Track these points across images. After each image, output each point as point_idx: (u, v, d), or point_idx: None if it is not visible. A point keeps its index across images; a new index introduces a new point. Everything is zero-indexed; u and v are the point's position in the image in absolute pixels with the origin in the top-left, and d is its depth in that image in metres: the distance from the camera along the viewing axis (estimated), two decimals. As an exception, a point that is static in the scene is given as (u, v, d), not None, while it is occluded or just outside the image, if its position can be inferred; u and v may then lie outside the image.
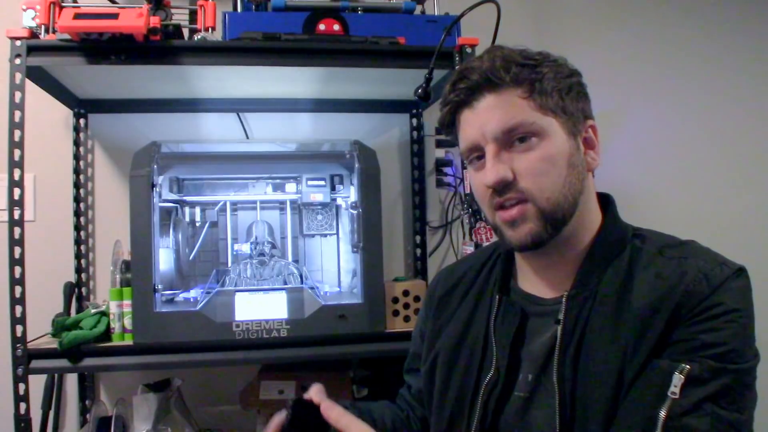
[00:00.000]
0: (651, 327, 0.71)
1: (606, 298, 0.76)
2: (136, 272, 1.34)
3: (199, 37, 1.37)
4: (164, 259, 1.45)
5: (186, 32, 1.41)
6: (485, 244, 1.42)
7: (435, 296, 0.97)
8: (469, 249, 1.50)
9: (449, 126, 0.85)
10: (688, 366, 0.67)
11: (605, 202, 0.85)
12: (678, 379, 0.67)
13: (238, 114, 1.75)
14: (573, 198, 0.78)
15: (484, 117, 0.78)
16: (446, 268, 1.02)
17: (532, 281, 0.86)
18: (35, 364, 1.27)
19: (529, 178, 0.76)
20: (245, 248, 1.54)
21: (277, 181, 1.61)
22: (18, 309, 1.24)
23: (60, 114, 1.68)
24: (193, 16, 1.43)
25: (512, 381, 0.82)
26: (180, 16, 1.40)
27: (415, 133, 1.83)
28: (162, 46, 1.32)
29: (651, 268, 0.76)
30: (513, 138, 0.77)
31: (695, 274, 0.72)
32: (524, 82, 0.77)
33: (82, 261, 1.68)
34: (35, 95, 1.39)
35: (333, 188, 1.57)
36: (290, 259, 1.59)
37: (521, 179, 0.76)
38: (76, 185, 1.68)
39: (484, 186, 0.79)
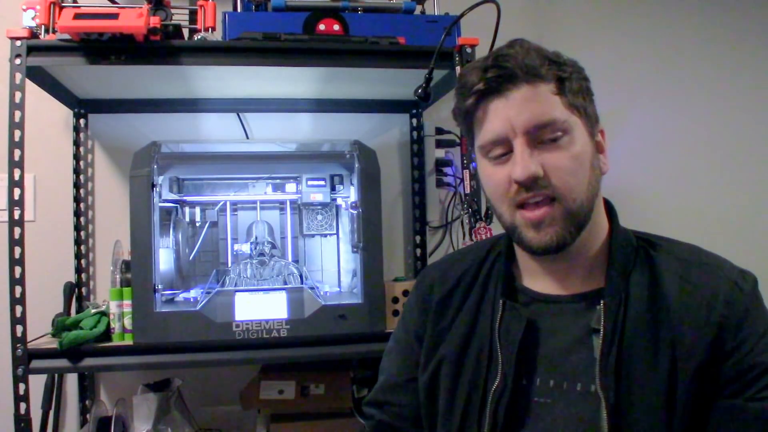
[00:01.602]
0: (701, 336, 0.73)
1: (638, 302, 0.76)
2: (136, 272, 1.34)
3: (199, 37, 1.37)
4: (164, 259, 1.45)
5: (186, 32, 1.41)
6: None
7: (431, 301, 0.91)
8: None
9: (467, 114, 0.80)
10: None
11: (607, 206, 0.85)
12: None
13: (238, 114, 1.75)
14: (592, 200, 0.77)
15: (517, 109, 0.75)
16: (437, 268, 0.96)
17: (541, 281, 0.84)
18: (35, 364, 1.27)
19: (560, 177, 0.74)
20: (245, 248, 1.54)
21: (277, 181, 1.61)
22: (18, 309, 1.24)
23: (60, 114, 1.68)
24: (193, 16, 1.42)
25: (527, 386, 0.79)
26: (180, 16, 1.40)
27: (415, 133, 1.83)
28: (162, 46, 1.32)
29: (672, 271, 0.78)
30: (544, 135, 0.74)
31: (728, 284, 0.75)
32: (555, 79, 0.76)
33: (82, 261, 1.68)
34: (35, 95, 1.39)
35: (333, 188, 1.57)
36: (290, 259, 1.59)
37: (552, 176, 0.74)
38: (76, 185, 1.68)
39: (506, 181, 0.76)
